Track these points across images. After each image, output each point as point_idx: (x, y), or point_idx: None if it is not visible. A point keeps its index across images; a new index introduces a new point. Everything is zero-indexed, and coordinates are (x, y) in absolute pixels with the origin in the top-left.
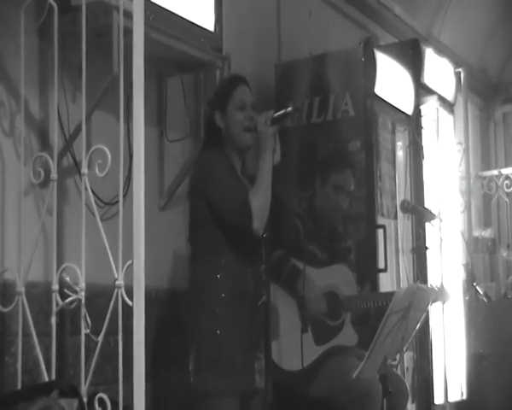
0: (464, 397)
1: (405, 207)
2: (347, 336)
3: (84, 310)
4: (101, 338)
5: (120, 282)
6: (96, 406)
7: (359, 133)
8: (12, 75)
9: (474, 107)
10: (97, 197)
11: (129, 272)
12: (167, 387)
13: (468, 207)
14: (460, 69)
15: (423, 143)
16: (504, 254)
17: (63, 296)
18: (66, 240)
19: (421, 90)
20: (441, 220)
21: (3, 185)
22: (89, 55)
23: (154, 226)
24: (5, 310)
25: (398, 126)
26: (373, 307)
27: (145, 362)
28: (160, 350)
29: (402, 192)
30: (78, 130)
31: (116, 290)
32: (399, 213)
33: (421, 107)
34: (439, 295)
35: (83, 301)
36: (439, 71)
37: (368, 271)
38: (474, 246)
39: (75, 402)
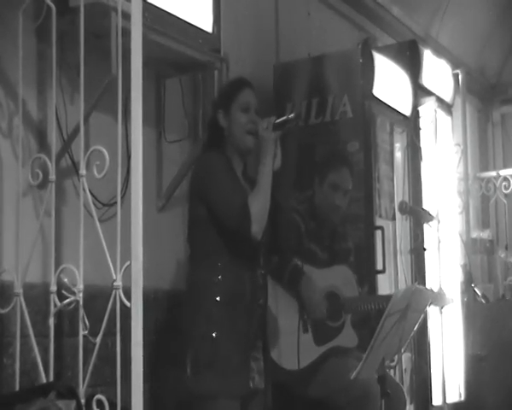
0: (462, 398)
1: (403, 209)
2: (347, 338)
3: (82, 311)
4: (99, 340)
5: (118, 283)
6: (95, 407)
7: (357, 134)
8: (10, 76)
9: (472, 108)
10: (95, 198)
11: (127, 274)
12: (165, 388)
13: (466, 209)
14: (458, 70)
15: (421, 145)
16: (502, 255)
17: (61, 298)
18: (64, 241)
19: (420, 92)
20: (439, 222)
21: (1, 187)
22: (87, 56)
23: (152, 227)
24: (3, 311)
25: (397, 128)
26: (373, 310)
27: (143, 363)
28: (158, 352)
29: (400, 193)
30: (76, 131)
31: (114, 292)
32: (397, 215)
33: (420, 108)
34: (439, 299)
35: (81, 303)
36: (437, 72)
37: (366, 272)
38: (472, 247)
39: (73, 404)
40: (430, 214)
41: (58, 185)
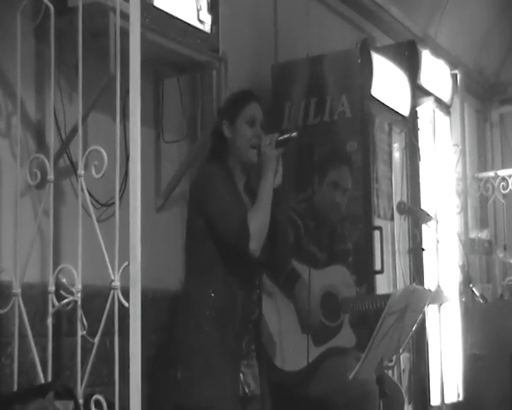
0: (460, 398)
1: (402, 209)
2: (346, 338)
3: (80, 311)
4: (97, 340)
5: (117, 283)
6: (93, 407)
7: (356, 134)
8: (8, 76)
9: (470, 108)
10: (94, 198)
11: (125, 274)
12: (163, 389)
13: (464, 209)
14: (456, 70)
15: (420, 145)
16: (501, 255)
17: (59, 298)
18: (62, 241)
19: (418, 92)
20: (437, 222)
21: (0, 186)
22: (85, 56)
23: (151, 228)
24: (1, 311)
25: (395, 128)
26: (371, 309)
27: (141, 363)
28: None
29: (398, 193)
30: (74, 131)
31: (112, 292)
32: (396, 215)
33: (418, 108)
34: (436, 297)
35: (79, 303)
36: (436, 72)
37: (364, 272)
38: (470, 247)
39: (70, 404)
40: (428, 214)
41: (56, 185)
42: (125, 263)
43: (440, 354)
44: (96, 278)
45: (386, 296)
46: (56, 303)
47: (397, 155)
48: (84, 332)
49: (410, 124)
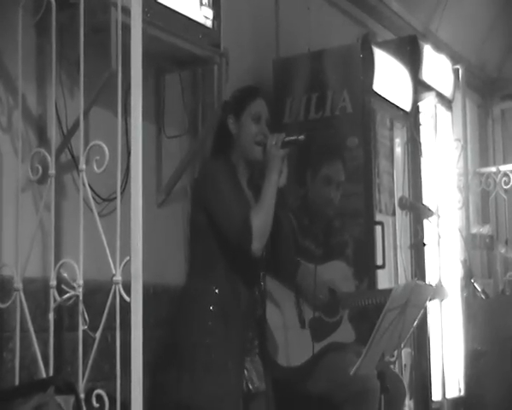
0: (462, 393)
1: (403, 204)
2: (345, 333)
3: (81, 306)
4: (98, 334)
5: (118, 278)
6: (94, 402)
7: (357, 130)
8: (10, 71)
9: (472, 103)
10: (95, 193)
11: (127, 268)
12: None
13: (466, 204)
14: (458, 66)
15: (421, 140)
16: (502, 250)
17: (61, 292)
18: (63, 236)
19: (420, 87)
20: (439, 217)
21: (1, 181)
22: (87, 50)
23: (152, 222)
24: (3, 306)
25: (396, 123)
26: (371, 304)
27: (143, 358)
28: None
29: (400, 189)
30: (75, 126)
31: (114, 286)
32: (397, 210)
33: (420, 103)
34: (437, 292)
35: (80, 298)
36: (438, 67)
37: (366, 267)
38: (471, 242)
39: (72, 399)
40: (430, 210)
41: (58, 180)
42: (127, 258)
43: (442, 349)
44: (97, 273)
45: (387, 291)
46: (58, 298)
47: (398, 150)
48: (86, 327)
49: (411, 119)
